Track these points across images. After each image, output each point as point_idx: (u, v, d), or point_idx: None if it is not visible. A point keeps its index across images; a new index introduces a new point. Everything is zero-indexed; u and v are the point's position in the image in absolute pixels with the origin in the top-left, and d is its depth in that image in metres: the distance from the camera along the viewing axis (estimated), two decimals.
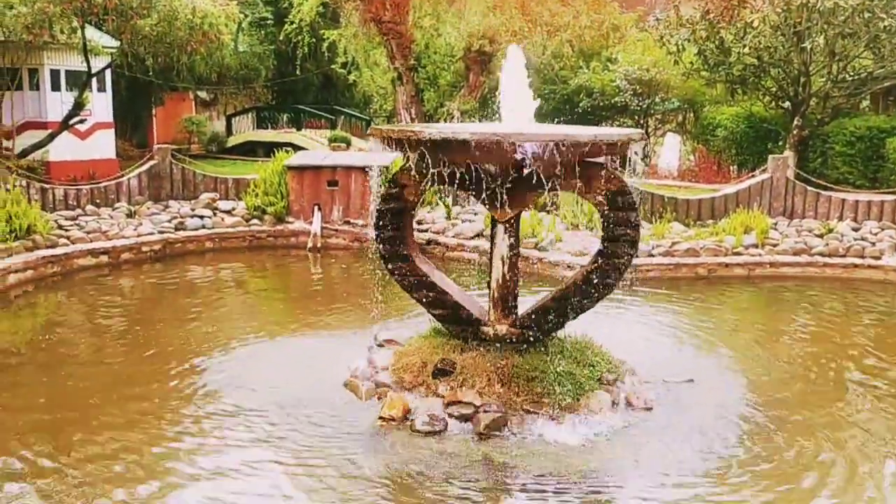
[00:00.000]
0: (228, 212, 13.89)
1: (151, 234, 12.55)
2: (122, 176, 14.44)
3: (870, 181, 15.76)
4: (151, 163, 14.51)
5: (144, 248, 12.25)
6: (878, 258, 11.36)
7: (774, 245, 11.80)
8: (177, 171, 14.62)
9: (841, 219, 12.80)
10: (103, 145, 18.02)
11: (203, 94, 27.29)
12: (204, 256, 12.76)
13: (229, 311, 9.87)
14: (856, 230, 12.27)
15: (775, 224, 12.71)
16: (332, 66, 26.31)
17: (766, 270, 11.43)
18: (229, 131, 26.93)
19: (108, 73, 17.54)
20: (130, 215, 13.34)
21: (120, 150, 19.42)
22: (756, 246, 11.74)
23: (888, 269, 11.17)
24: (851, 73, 16.64)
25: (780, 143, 17.44)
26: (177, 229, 12.95)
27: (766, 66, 16.96)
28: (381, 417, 6.05)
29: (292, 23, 24.17)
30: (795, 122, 17.07)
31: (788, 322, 9.53)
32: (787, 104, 17.71)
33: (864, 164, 16.03)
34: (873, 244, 11.63)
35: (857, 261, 11.37)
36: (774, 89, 17.80)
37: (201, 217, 13.44)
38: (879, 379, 7.38)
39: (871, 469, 5.49)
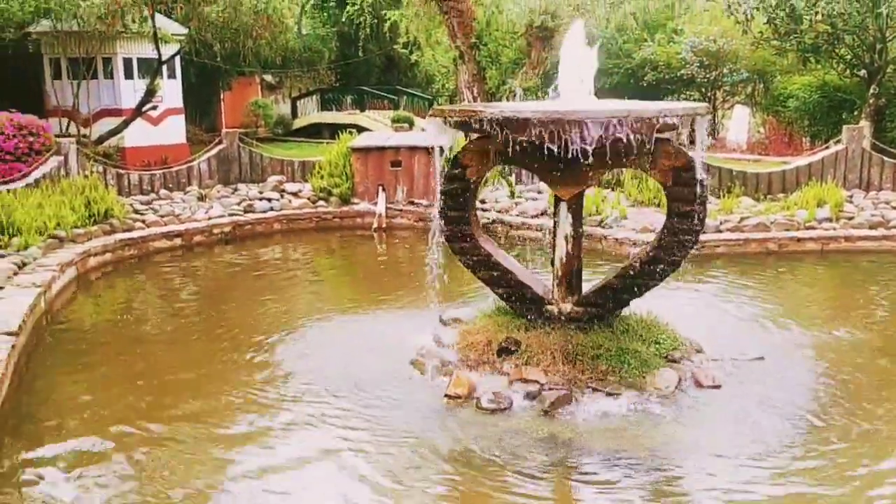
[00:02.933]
0: (295, 194, 14.17)
1: (222, 216, 12.89)
2: (193, 160, 14.84)
3: None
4: (220, 147, 14.88)
5: (215, 231, 12.61)
6: None
7: (850, 218, 11.45)
8: (244, 155, 14.96)
9: None
10: (175, 131, 18.51)
11: (269, 78, 27.71)
12: (272, 238, 13.07)
13: (298, 292, 10.11)
14: None
15: (850, 197, 12.33)
16: (394, 47, 26.40)
17: (841, 245, 11.10)
18: (294, 114, 27.32)
19: (177, 59, 17.96)
20: (201, 199, 13.72)
21: (190, 134, 19.91)
22: (830, 220, 11.42)
23: None
24: None
25: (856, 113, 16.80)
26: (246, 212, 13.28)
27: (839, 34, 16.30)
28: (447, 395, 6.14)
29: (354, 4, 24.32)
30: (871, 91, 16.40)
31: (863, 298, 9.26)
32: (862, 72, 17.02)
33: None
34: None
35: None
36: (849, 57, 17.11)
37: (269, 199, 13.74)
38: None
39: None
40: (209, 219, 12.74)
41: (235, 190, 14.34)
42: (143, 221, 12.11)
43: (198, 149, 16.60)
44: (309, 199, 14.04)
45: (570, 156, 5.95)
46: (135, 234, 11.69)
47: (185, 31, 16.16)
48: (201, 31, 15.24)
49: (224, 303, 9.46)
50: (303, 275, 11.29)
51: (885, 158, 12.98)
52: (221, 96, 24.71)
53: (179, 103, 18.77)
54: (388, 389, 6.41)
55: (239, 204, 13.49)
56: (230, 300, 9.61)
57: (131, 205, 12.67)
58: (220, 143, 15.04)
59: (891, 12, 15.05)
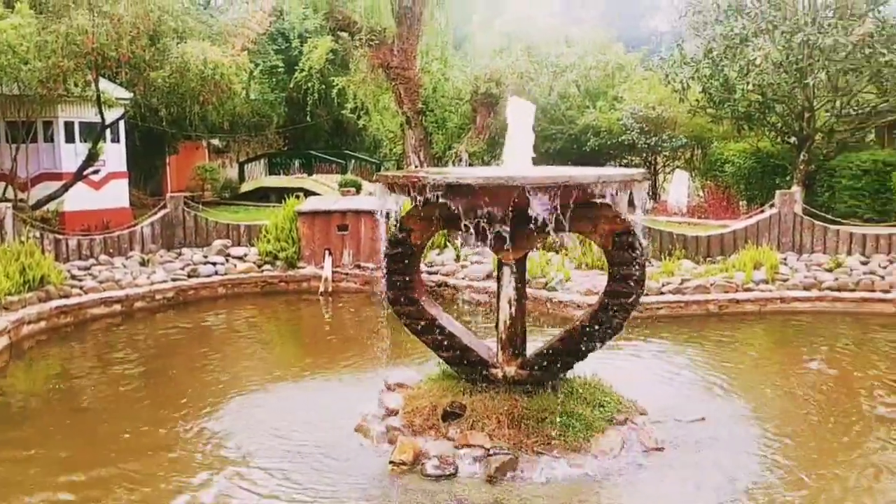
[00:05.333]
0: (241, 258, 14.04)
1: (164, 281, 12.68)
2: (136, 225, 14.63)
3: (878, 214, 15.76)
4: (164, 211, 14.72)
5: (157, 296, 12.38)
6: (887, 291, 11.33)
7: (784, 280, 11.80)
8: (189, 219, 14.82)
9: (849, 253, 12.79)
10: (117, 195, 18.29)
11: (216, 142, 27.70)
12: (217, 303, 12.88)
13: (242, 358, 9.93)
14: (864, 264, 12.26)
15: (785, 259, 12.72)
16: (342, 112, 26.68)
17: (777, 306, 11.41)
18: (242, 178, 27.27)
19: (121, 123, 17.86)
20: (143, 264, 13.50)
21: (134, 198, 19.69)
22: (766, 281, 11.74)
23: None
24: (855, 108, 16.75)
25: (788, 178, 17.50)
26: (189, 276, 13.09)
27: (770, 103, 17.09)
28: (391, 462, 6.06)
29: (302, 70, 24.59)
30: (802, 157, 17.15)
31: (800, 357, 9.49)
32: (792, 139, 17.81)
33: (872, 198, 16.06)
34: (882, 277, 11.61)
35: (867, 294, 11.35)
36: (780, 125, 17.92)
37: (214, 264, 13.60)
38: (889, 412, 7.33)
39: None
40: (151, 284, 12.51)
41: (179, 254, 14.15)
42: (81, 288, 11.82)
43: (142, 213, 16.40)
44: (255, 263, 13.93)
45: (512, 220, 6.07)
46: (71, 301, 11.38)
47: (130, 95, 16.11)
48: (147, 96, 15.20)
49: (164, 371, 9.23)
50: (247, 340, 11.11)
51: (816, 222, 13.48)
52: (167, 160, 24.58)
53: (123, 167, 18.61)
54: (332, 457, 6.30)
55: (183, 268, 13.30)
56: (171, 368, 9.37)
57: (69, 271, 12.37)
58: (164, 207, 14.89)
59: (817, 83, 15.84)
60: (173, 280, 12.82)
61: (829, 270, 12.12)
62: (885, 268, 11.99)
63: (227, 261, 13.85)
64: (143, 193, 22.20)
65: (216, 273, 13.41)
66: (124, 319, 11.67)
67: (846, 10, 15.61)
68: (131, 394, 8.28)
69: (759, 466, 6.07)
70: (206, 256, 13.93)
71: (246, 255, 14.15)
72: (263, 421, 7.16)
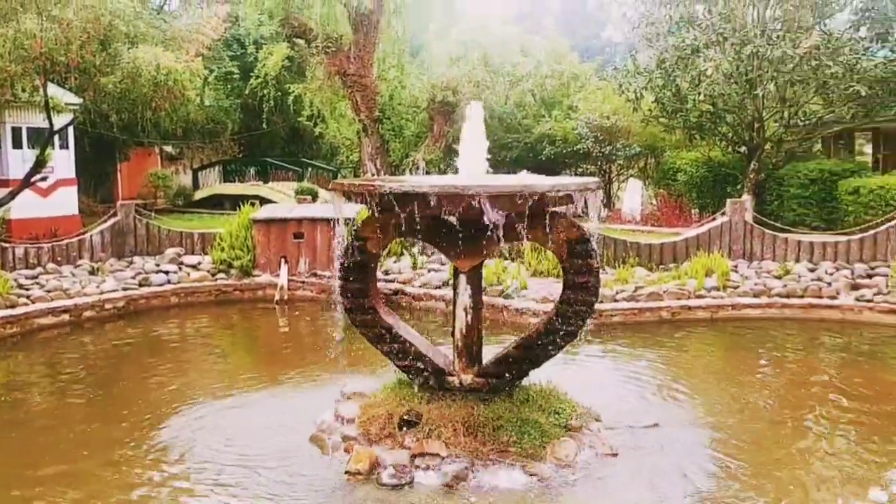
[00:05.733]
0: (194, 266, 13.83)
1: (114, 290, 12.43)
2: (85, 233, 14.32)
3: (824, 222, 16.18)
4: (115, 219, 14.43)
5: (107, 306, 12.12)
6: (834, 298, 11.61)
7: (735, 287, 12.02)
8: (141, 227, 14.55)
9: (798, 260, 13.09)
10: (66, 202, 17.89)
11: (169, 149, 27.28)
12: (169, 312, 12.65)
13: (194, 368, 9.78)
14: (812, 271, 12.56)
15: (735, 266, 12.96)
16: (299, 119, 26.53)
17: (728, 312, 11.61)
18: (196, 185, 26.92)
19: (70, 129, 17.49)
20: (93, 272, 13.21)
21: (83, 206, 19.29)
22: (718, 288, 11.95)
23: (844, 308, 11.43)
24: (803, 119, 17.18)
25: (739, 187, 17.86)
26: (141, 285, 12.85)
27: (721, 113, 17.45)
28: (347, 472, 6.01)
29: (258, 77, 24.40)
30: (752, 166, 17.52)
31: (751, 363, 9.66)
32: (743, 149, 18.19)
33: (819, 206, 16.48)
34: (829, 284, 11.90)
35: (815, 301, 11.62)
36: (730, 135, 18.30)
37: (166, 272, 13.37)
38: (841, 417, 7.50)
39: None
40: (101, 293, 12.25)
41: (131, 263, 13.87)
42: (28, 297, 11.53)
43: (91, 221, 16.06)
44: (209, 271, 13.73)
45: (467, 229, 6.09)
46: (18, 311, 11.08)
47: (80, 100, 15.79)
48: (97, 102, 14.91)
49: (114, 382, 9.03)
50: (200, 350, 10.94)
51: (766, 230, 13.77)
52: (118, 167, 24.14)
53: (72, 174, 18.23)
54: (288, 467, 6.23)
55: (134, 277, 13.04)
56: (120, 379, 9.18)
57: (16, 280, 12.05)
58: (114, 214, 14.59)
59: (766, 94, 16.22)
60: (124, 289, 12.57)
61: (779, 277, 12.39)
62: (831, 275, 12.30)
63: (180, 269, 13.63)
64: (93, 201, 21.77)
65: (168, 282, 13.18)
66: (73, 330, 11.41)
67: (793, 24, 16.03)
68: (77, 405, 8.09)
69: (711, 472, 6.17)
70: (158, 265, 13.69)
71: (200, 263, 13.94)
72: (215, 432, 7.05)
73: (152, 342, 11.08)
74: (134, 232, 14.47)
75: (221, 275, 13.70)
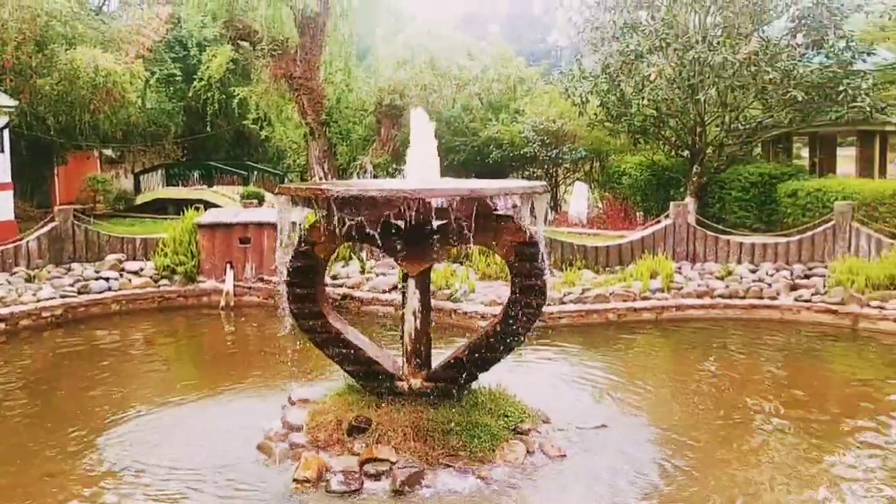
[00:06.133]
0: (136, 272, 13.50)
1: (52, 298, 12.05)
2: (21, 239, 13.87)
3: (764, 224, 16.58)
4: (52, 224, 14.00)
5: (45, 314, 11.75)
6: (774, 298, 11.89)
7: (679, 289, 12.22)
8: (79, 233, 14.15)
9: (739, 261, 13.39)
10: (1, 207, 17.32)
11: (109, 152, 26.64)
12: (110, 320, 12.31)
13: (135, 377, 9.54)
14: (753, 272, 12.85)
15: (679, 268, 13.19)
16: (244, 122, 26.19)
17: (673, 313, 11.80)
18: (138, 189, 26.32)
19: (5, 132, 16.93)
20: (30, 280, 12.80)
21: (19, 211, 18.67)
22: (662, 290, 12.13)
23: (784, 308, 11.71)
24: (743, 123, 17.60)
25: (682, 190, 18.20)
26: (80, 293, 12.49)
27: (664, 117, 17.77)
28: (295, 479, 5.92)
29: (201, 80, 24.00)
30: (694, 170, 17.88)
31: (695, 363, 9.84)
32: (686, 153, 18.55)
33: (759, 209, 16.89)
34: (770, 285, 12.18)
35: (756, 301, 11.88)
36: (673, 139, 18.64)
37: (107, 279, 13.01)
38: (782, 414, 7.68)
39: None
40: (38, 301, 11.87)
41: (69, 270, 13.48)
42: None
43: (28, 226, 15.56)
44: (151, 277, 13.41)
45: (416, 233, 6.07)
46: None
47: (16, 103, 15.31)
48: (33, 104, 14.50)
49: (51, 392, 8.75)
50: (142, 358, 10.67)
51: (708, 232, 14.05)
52: (55, 171, 23.46)
53: (7, 178, 17.62)
54: (233, 477, 6.11)
55: (73, 285, 12.67)
56: (58, 389, 8.90)
57: None
58: (52, 220, 14.16)
59: (707, 99, 16.57)
60: (62, 297, 12.19)
61: (721, 279, 12.64)
62: (771, 276, 12.60)
63: (121, 276, 13.29)
64: (30, 206, 21.11)
65: (109, 289, 12.83)
66: (8, 339, 11.02)
67: (733, 30, 16.41)
68: (12, 417, 7.81)
69: (659, 470, 6.24)
70: (98, 272, 13.32)
71: (142, 269, 13.61)
72: (158, 443, 6.88)
73: (92, 351, 10.76)
74: (72, 238, 14.06)
75: (165, 281, 13.40)
